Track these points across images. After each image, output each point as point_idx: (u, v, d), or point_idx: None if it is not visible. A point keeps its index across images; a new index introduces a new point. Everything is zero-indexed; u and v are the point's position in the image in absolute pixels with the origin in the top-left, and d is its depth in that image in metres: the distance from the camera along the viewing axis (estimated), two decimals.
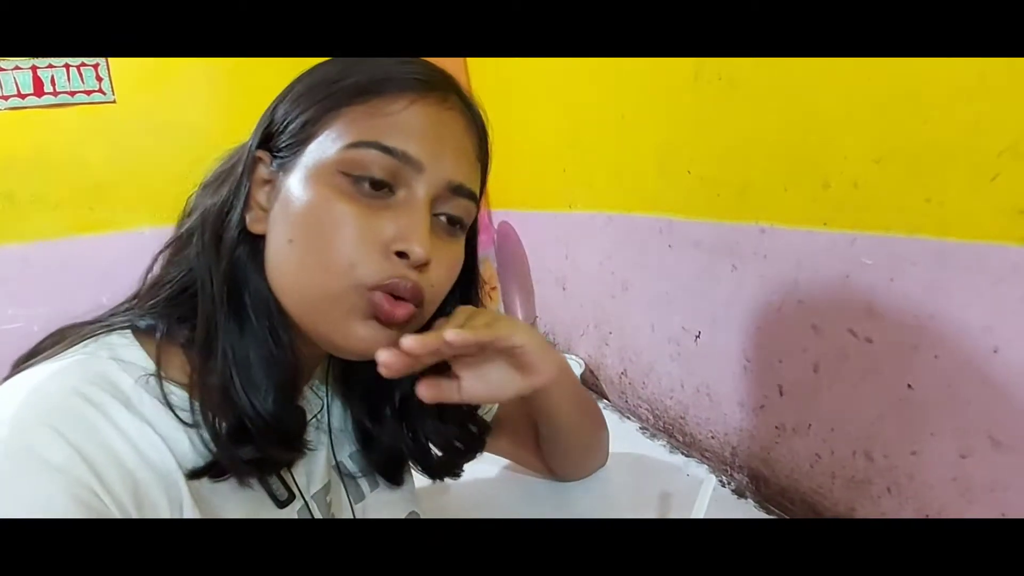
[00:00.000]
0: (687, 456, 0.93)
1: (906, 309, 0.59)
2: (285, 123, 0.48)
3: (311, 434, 0.56)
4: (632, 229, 1.00)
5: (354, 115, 0.46)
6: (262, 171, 0.48)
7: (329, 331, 0.47)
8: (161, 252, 0.51)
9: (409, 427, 0.61)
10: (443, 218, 0.49)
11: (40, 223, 1.49)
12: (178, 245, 0.50)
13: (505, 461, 0.80)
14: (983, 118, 0.50)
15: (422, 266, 0.47)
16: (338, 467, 0.61)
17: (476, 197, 0.51)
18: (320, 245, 0.45)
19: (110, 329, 0.47)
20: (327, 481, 0.58)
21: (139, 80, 1.50)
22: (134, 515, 0.40)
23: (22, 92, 1.60)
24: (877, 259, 0.60)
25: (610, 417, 1.10)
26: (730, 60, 0.73)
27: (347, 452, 0.63)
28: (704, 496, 0.68)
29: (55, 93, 1.62)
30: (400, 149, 0.45)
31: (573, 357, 1.22)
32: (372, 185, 0.45)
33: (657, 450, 0.96)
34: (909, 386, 0.59)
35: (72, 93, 1.64)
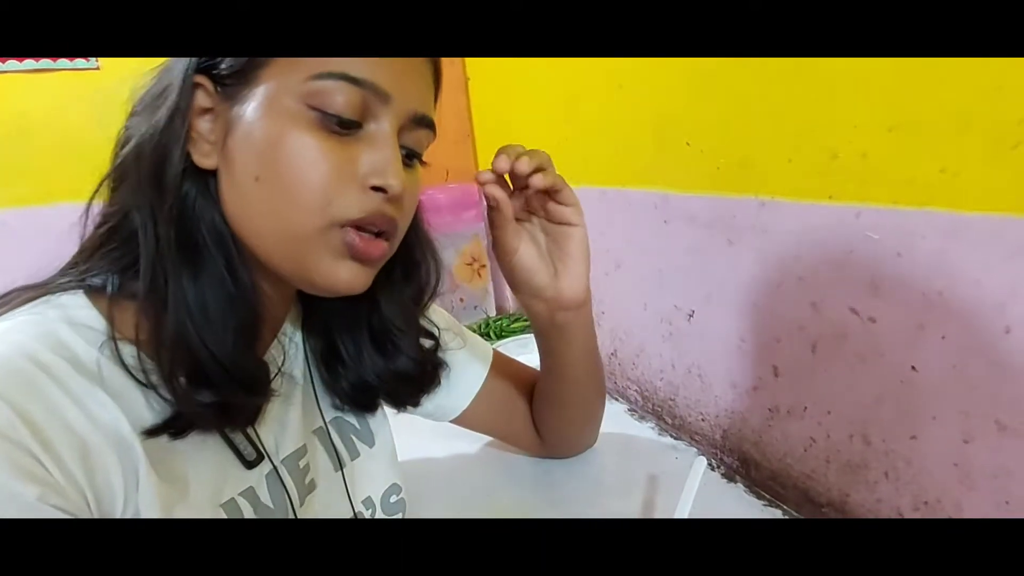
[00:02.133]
0: (676, 438, 0.90)
1: (913, 286, 0.56)
2: None
3: (283, 388, 0.54)
4: (626, 204, 0.96)
5: None
6: (202, 99, 0.44)
7: (306, 270, 0.46)
8: (96, 191, 0.47)
9: (377, 356, 0.59)
10: (404, 150, 0.48)
11: (21, 189, 1.44)
12: (114, 184, 0.46)
13: (488, 440, 0.78)
14: (1004, 82, 0.47)
15: (396, 199, 0.46)
16: (326, 428, 0.59)
17: (435, 126, 0.50)
18: (293, 183, 0.43)
19: (61, 289, 0.45)
20: (301, 444, 0.56)
21: None
22: (82, 482, 0.37)
23: (3, 57, 1.55)
24: (884, 233, 0.58)
25: None
26: None
27: (332, 415, 0.61)
28: (694, 479, 0.66)
29: (37, 59, 1.57)
30: (368, 80, 0.43)
31: None
32: (341, 124, 0.44)
33: (645, 432, 0.94)
34: (913, 367, 0.57)
35: (55, 58, 1.59)
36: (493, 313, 1.42)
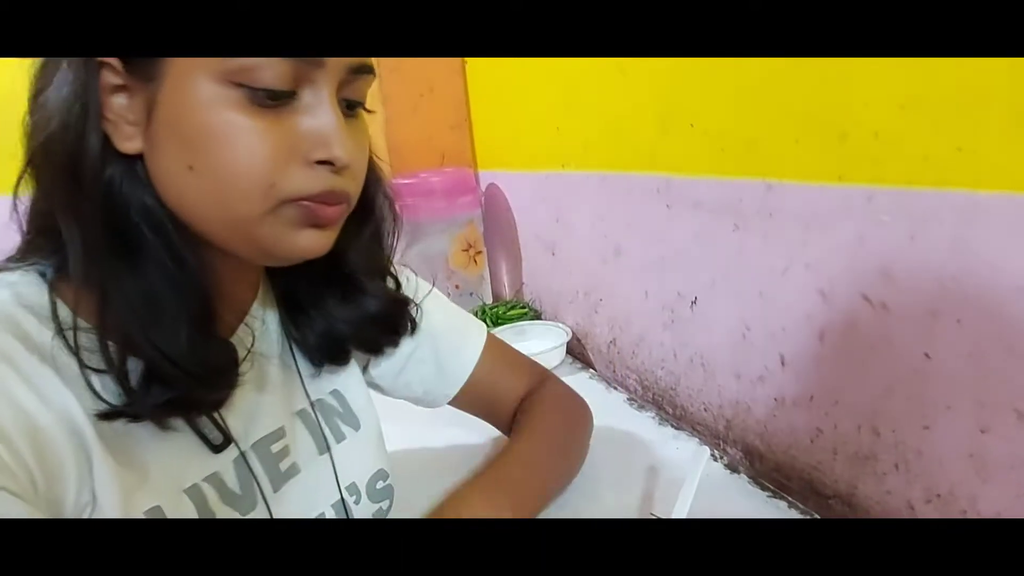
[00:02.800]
0: (677, 428, 0.88)
1: (927, 271, 0.54)
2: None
3: (254, 371, 0.52)
4: (628, 189, 0.94)
5: None
6: (110, 77, 0.40)
7: (263, 247, 0.44)
8: (17, 186, 0.43)
9: (343, 304, 0.57)
10: (344, 103, 0.45)
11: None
12: (33, 176, 0.43)
13: (480, 426, 0.75)
14: None
15: (345, 169, 0.44)
16: (312, 410, 0.57)
17: (374, 68, 0.46)
18: (230, 170, 0.40)
19: (11, 271, 0.43)
20: (278, 427, 0.54)
21: None
22: (31, 463, 0.36)
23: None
24: (897, 216, 0.55)
25: (596, 388, 1.06)
26: None
27: (315, 398, 0.59)
28: (696, 470, 0.64)
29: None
30: None
31: (559, 325, 1.17)
32: (272, 96, 0.40)
33: (645, 423, 0.92)
34: (926, 355, 0.55)
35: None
36: (489, 300, 1.40)
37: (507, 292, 1.46)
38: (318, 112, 0.42)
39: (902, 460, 0.59)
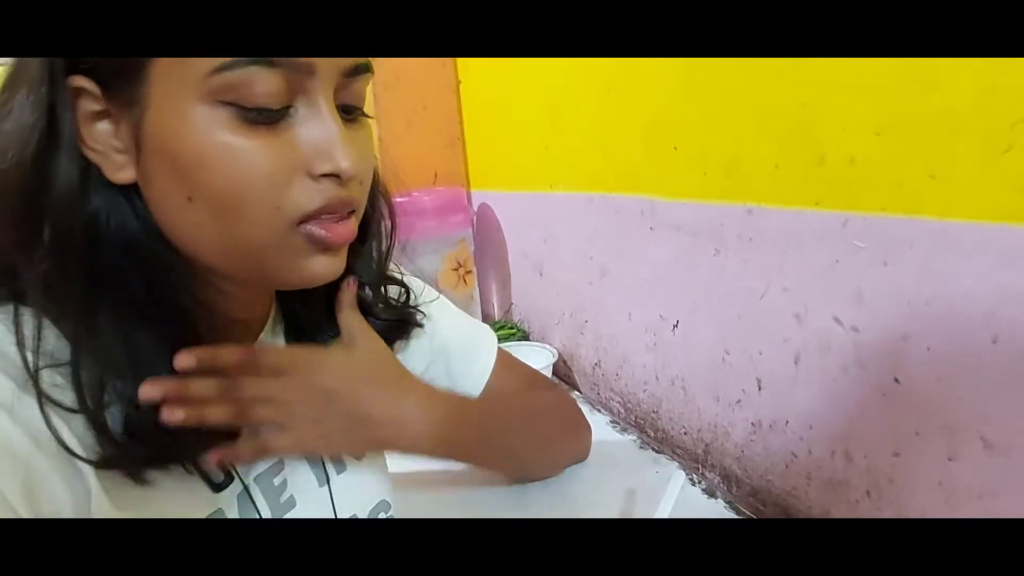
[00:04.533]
0: (658, 452, 0.88)
1: (899, 296, 0.54)
2: None
3: None
4: (613, 210, 0.95)
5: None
6: (88, 104, 0.37)
7: (274, 275, 0.42)
8: None
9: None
10: (344, 111, 0.42)
11: None
12: None
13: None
14: (996, 83, 0.45)
15: (350, 179, 0.41)
16: None
17: (370, 66, 0.43)
18: (232, 196, 0.37)
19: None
20: (278, 459, 0.52)
21: None
22: (21, 510, 0.34)
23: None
24: (870, 242, 0.56)
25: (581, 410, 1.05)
26: None
27: None
28: (671, 494, 0.63)
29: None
30: (284, 57, 0.37)
31: (546, 347, 1.17)
32: (265, 113, 0.37)
33: (627, 445, 0.92)
34: (896, 380, 0.55)
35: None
36: (479, 320, 1.40)
37: (496, 312, 1.46)
38: (316, 123, 0.39)
39: (874, 486, 0.58)
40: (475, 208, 1.45)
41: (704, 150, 0.74)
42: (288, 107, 0.38)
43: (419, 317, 0.61)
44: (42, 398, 0.36)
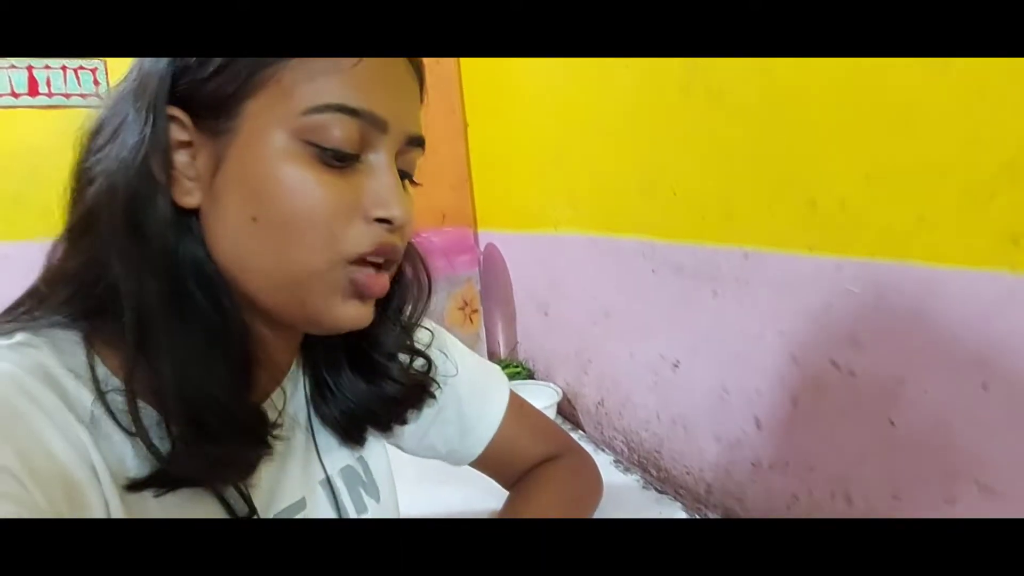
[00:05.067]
0: (660, 492, 0.88)
1: (892, 340, 0.55)
2: (202, 77, 0.42)
3: (283, 437, 0.51)
4: (616, 252, 0.96)
5: (305, 71, 0.41)
6: (178, 133, 0.42)
7: (309, 310, 0.44)
8: (63, 238, 0.43)
9: (360, 381, 0.57)
10: (400, 171, 0.47)
11: (30, 222, 1.45)
12: (81, 227, 0.42)
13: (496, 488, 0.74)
14: (980, 132, 0.47)
15: (401, 228, 0.44)
16: (329, 482, 0.56)
17: (424, 143, 0.48)
18: (296, 222, 0.41)
19: (51, 327, 0.42)
20: (300, 497, 0.52)
21: None
22: (67, 513, 0.36)
23: (16, 91, 1.59)
24: (863, 286, 0.57)
25: (585, 448, 1.05)
26: (717, 75, 0.71)
27: (338, 467, 0.58)
28: None
29: (50, 94, 1.60)
30: (366, 109, 0.42)
31: (550, 385, 1.18)
32: (339, 157, 0.42)
33: (630, 486, 0.92)
34: (891, 423, 0.55)
35: (67, 95, 1.62)
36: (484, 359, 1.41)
37: (502, 351, 1.47)
38: (379, 174, 0.44)
39: None
40: (482, 248, 1.48)
41: (701, 195, 0.76)
42: (357, 156, 0.43)
43: (434, 390, 0.62)
44: (114, 417, 0.39)
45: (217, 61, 0.41)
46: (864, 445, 0.59)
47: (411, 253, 0.56)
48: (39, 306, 0.43)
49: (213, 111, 0.42)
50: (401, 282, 0.56)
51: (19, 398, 0.36)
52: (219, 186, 0.42)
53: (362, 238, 0.43)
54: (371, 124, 0.42)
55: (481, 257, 1.45)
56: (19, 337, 0.40)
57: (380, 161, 0.44)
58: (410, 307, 0.57)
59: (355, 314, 0.45)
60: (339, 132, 0.41)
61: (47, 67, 1.57)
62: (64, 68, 1.59)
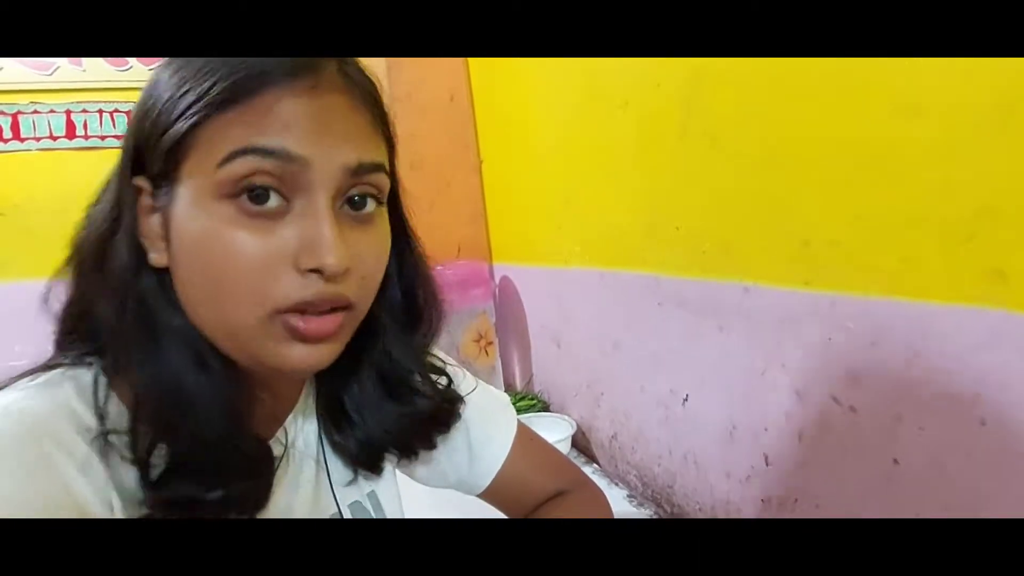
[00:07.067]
0: None
1: (889, 376, 0.55)
2: (149, 146, 0.43)
3: (287, 474, 0.52)
4: (623, 286, 0.97)
5: (218, 126, 0.41)
6: (145, 200, 0.44)
7: (261, 358, 0.44)
8: (58, 273, 0.47)
9: (391, 403, 0.56)
10: (350, 205, 0.44)
11: (58, 262, 1.51)
12: (73, 270, 0.46)
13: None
14: (955, 177, 0.47)
15: (336, 277, 0.42)
16: (340, 515, 0.56)
17: (384, 167, 0.45)
18: (224, 280, 0.42)
19: (73, 365, 0.45)
20: None
21: None
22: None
23: (54, 135, 1.66)
24: (858, 322, 0.57)
25: (599, 483, 1.05)
26: (714, 120, 0.72)
27: (347, 501, 0.58)
28: None
29: (86, 137, 1.67)
30: (279, 147, 0.40)
31: (565, 418, 1.18)
32: (257, 199, 0.40)
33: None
34: (895, 460, 0.55)
35: (103, 138, 1.69)
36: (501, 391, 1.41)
37: (518, 383, 1.48)
38: (310, 219, 0.41)
39: None
40: (497, 281, 1.49)
41: (701, 230, 0.77)
42: (288, 203, 0.41)
43: (460, 409, 0.62)
44: (111, 451, 0.41)
45: (162, 124, 0.42)
46: (869, 482, 0.58)
47: (418, 279, 0.55)
48: (70, 341, 0.46)
49: (163, 176, 0.43)
50: (416, 302, 0.55)
51: (44, 439, 0.38)
52: (172, 246, 0.43)
53: (292, 290, 0.41)
54: (288, 162, 0.40)
55: (496, 290, 1.47)
56: (44, 376, 0.43)
57: (310, 204, 0.41)
58: (424, 325, 0.56)
59: (301, 357, 0.44)
60: (254, 178, 0.40)
61: (84, 111, 1.65)
62: (100, 112, 1.66)
